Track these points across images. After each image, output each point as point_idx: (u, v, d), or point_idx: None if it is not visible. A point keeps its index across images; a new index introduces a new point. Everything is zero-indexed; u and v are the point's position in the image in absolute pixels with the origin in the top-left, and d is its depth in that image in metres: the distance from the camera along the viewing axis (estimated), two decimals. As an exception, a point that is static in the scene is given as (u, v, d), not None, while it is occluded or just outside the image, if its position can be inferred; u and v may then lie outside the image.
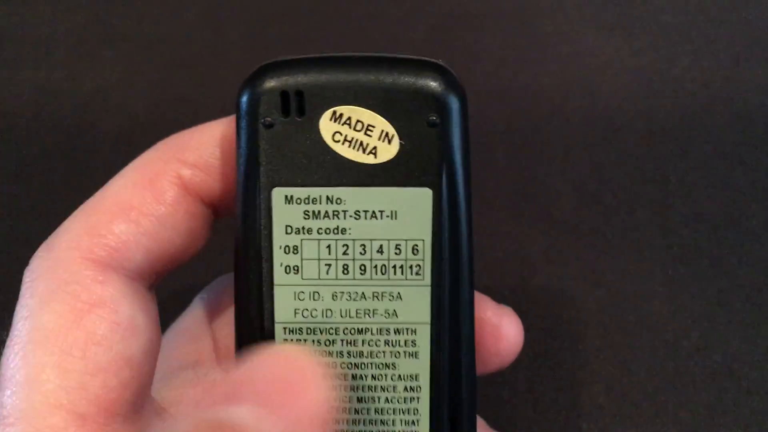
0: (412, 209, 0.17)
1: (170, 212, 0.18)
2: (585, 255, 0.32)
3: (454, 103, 0.17)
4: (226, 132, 0.18)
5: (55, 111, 0.35)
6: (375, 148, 0.16)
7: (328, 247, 0.17)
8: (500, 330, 0.20)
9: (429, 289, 0.17)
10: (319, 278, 0.17)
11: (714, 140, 0.34)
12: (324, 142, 0.16)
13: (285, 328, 0.17)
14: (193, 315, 0.22)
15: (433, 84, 0.17)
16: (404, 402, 0.17)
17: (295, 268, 0.17)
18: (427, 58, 0.17)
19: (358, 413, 0.17)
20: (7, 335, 0.17)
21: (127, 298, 0.17)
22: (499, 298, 0.30)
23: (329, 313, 0.17)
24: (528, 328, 0.30)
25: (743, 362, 0.29)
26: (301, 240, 0.17)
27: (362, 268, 0.17)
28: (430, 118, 0.16)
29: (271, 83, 0.16)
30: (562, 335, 0.30)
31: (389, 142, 0.16)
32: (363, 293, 0.17)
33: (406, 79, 0.16)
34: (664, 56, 0.37)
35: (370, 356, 0.17)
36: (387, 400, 0.17)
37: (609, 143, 0.35)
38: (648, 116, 0.35)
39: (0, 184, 0.33)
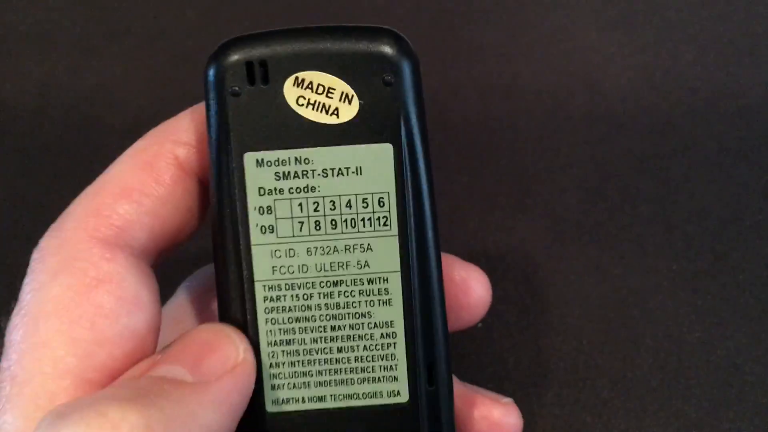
0: (376, 164, 0.18)
1: (170, 192, 0.18)
2: (588, 251, 0.32)
3: (407, 63, 0.18)
4: None
5: (59, 105, 0.35)
6: (337, 109, 0.17)
7: (300, 205, 0.18)
8: (468, 284, 0.22)
9: (396, 238, 0.18)
10: (294, 236, 0.18)
11: (717, 136, 0.35)
12: (289, 107, 0.17)
13: (264, 286, 0.18)
14: (178, 301, 0.23)
15: (387, 47, 0.18)
16: (382, 348, 0.18)
17: (270, 227, 0.18)
18: (380, 26, 0.18)
19: (338, 362, 0.18)
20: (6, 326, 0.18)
21: (132, 274, 0.18)
22: (503, 293, 0.30)
23: (305, 268, 0.18)
24: (532, 324, 0.30)
25: (747, 357, 0.29)
26: (274, 200, 0.18)
27: (333, 223, 0.18)
28: (385, 77, 0.17)
29: (236, 55, 0.17)
30: (566, 330, 0.30)
31: (349, 102, 0.17)
32: (335, 247, 0.18)
33: (362, 44, 0.18)
34: (667, 52, 0.37)
35: (347, 307, 0.18)
36: (365, 348, 0.18)
37: (612, 139, 0.35)
38: (651, 112, 0.35)
39: (3, 178, 0.33)
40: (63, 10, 0.37)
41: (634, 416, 0.28)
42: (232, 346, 0.17)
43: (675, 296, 0.31)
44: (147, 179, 0.18)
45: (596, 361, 0.29)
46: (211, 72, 0.18)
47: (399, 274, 0.18)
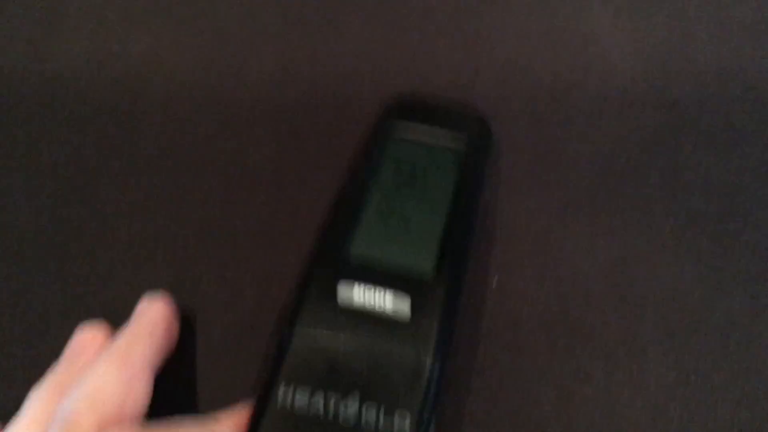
0: None
1: None
2: (600, 220, 0.33)
3: None
4: None
5: (108, 76, 0.37)
6: None
7: None
8: None
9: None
10: None
11: (724, 114, 0.36)
12: None
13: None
14: None
15: None
16: None
17: None
18: None
19: None
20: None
21: None
22: (516, 267, 0.32)
23: None
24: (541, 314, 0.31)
25: (746, 315, 0.31)
26: None
27: None
28: None
29: None
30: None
31: None
32: None
33: None
34: (679, 33, 0.38)
35: None
36: None
37: (624, 116, 0.36)
38: (662, 91, 0.37)
39: (56, 145, 0.35)
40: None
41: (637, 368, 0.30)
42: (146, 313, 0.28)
43: (678, 260, 0.32)
44: None
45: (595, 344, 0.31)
46: None
47: None
